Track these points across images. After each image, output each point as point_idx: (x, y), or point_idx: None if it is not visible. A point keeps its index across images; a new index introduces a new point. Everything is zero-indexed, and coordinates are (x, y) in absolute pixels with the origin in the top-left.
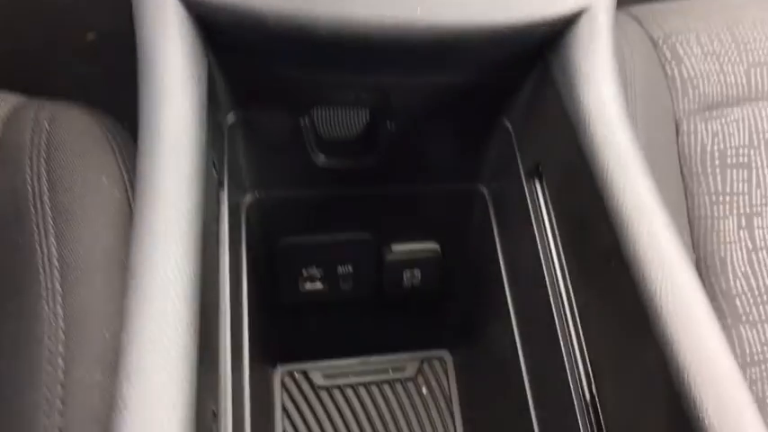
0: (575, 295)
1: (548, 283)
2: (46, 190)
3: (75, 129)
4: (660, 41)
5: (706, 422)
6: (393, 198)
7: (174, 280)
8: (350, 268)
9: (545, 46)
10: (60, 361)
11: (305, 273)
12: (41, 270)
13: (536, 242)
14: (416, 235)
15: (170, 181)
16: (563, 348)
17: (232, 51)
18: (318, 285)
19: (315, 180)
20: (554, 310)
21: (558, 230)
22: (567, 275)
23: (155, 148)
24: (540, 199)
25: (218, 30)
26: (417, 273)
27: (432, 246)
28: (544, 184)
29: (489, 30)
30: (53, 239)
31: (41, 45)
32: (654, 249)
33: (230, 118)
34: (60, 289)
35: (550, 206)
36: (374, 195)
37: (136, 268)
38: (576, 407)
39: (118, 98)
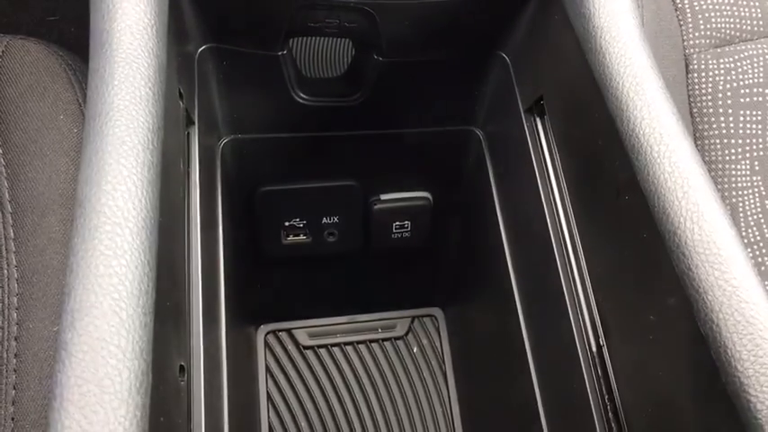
0: (580, 238)
1: (550, 227)
2: None
3: (30, 62)
4: None
5: (738, 368)
6: (381, 142)
7: (126, 209)
8: (336, 219)
9: None
10: (14, 313)
11: (287, 224)
12: None
13: (537, 185)
14: (406, 183)
15: (122, 97)
16: (566, 297)
17: None
18: (302, 237)
19: (296, 122)
20: (556, 256)
21: (563, 169)
22: (572, 218)
23: (105, 62)
24: (541, 137)
25: None
26: (407, 224)
27: (423, 194)
28: (546, 120)
29: None
30: (5, 180)
31: None
32: (677, 177)
33: (201, 51)
34: (13, 234)
35: (553, 144)
36: (361, 138)
37: (83, 196)
38: (581, 359)
39: (87, 45)
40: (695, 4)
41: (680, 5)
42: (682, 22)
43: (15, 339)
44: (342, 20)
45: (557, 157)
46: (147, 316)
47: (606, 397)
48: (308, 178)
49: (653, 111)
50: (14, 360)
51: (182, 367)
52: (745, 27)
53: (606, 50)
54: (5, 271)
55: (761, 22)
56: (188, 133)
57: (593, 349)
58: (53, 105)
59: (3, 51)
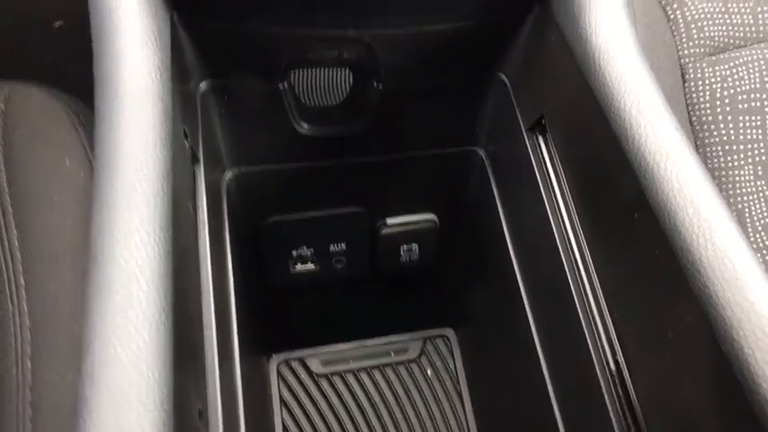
0: (591, 257)
1: (559, 246)
2: (3, 175)
3: (34, 108)
4: None
5: (763, 386)
6: (385, 167)
7: (140, 258)
8: (343, 246)
9: None
10: (28, 362)
11: (294, 253)
12: (2, 263)
13: (543, 204)
14: (412, 206)
15: (131, 144)
16: (581, 316)
17: (197, 4)
18: (310, 266)
19: (299, 152)
20: (568, 274)
21: (568, 188)
22: (582, 236)
23: (112, 109)
24: (544, 156)
25: None
26: (415, 247)
27: (429, 217)
28: (549, 139)
29: None
30: (13, 229)
31: (9, 31)
32: (686, 193)
33: (202, 87)
34: (24, 282)
35: (557, 163)
36: (364, 165)
37: (96, 247)
38: (600, 378)
39: (87, 85)
40: (687, 13)
41: (672, 16)
42: (675, 33)
43: (30, 389)
44: (341, 51)
45: (561, 174)
46: (166, 366)
47: (628, 415)
48: (313, 207)
49: (657, 128)
50: (30, 410)
51: (200, 411)
52: (737, 34)
53: (606, 70)
54: (17, 319)
55: (753, 28)
56: (194, 171)
57: (612, 367)
58: (58, 150)
59: (6, 98)
